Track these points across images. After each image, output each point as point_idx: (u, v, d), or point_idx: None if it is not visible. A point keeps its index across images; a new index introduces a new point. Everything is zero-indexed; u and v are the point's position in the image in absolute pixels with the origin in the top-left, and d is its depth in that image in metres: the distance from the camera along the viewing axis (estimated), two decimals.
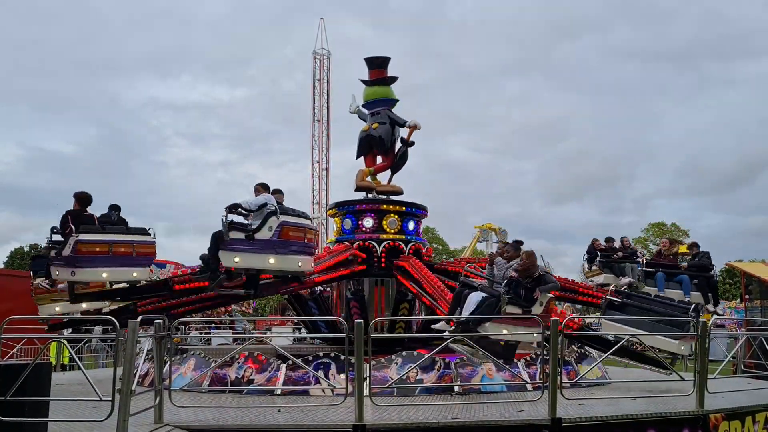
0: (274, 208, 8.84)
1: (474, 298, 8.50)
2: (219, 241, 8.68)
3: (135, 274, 9.63)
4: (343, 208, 12.98)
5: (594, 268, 13.12)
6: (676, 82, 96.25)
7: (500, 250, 9.45)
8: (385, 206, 12.71)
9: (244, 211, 8.80)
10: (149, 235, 9.77)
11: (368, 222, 12.59)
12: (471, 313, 8.35)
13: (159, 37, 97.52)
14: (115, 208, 10.27)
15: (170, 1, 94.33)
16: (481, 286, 8.77)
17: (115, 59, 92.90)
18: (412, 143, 13.47)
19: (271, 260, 8.82)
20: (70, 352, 7.50)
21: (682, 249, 13.90)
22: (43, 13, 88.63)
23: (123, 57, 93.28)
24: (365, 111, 13.55)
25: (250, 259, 8.74)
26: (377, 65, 13.55)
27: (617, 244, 13.41)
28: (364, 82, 13.68)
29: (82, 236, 8.96)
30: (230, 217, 8.78)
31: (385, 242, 12.27)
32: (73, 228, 9.02)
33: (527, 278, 8.42)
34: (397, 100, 13.57)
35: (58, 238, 9.48)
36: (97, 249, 9.05)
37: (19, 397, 5.72)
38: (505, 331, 8.27)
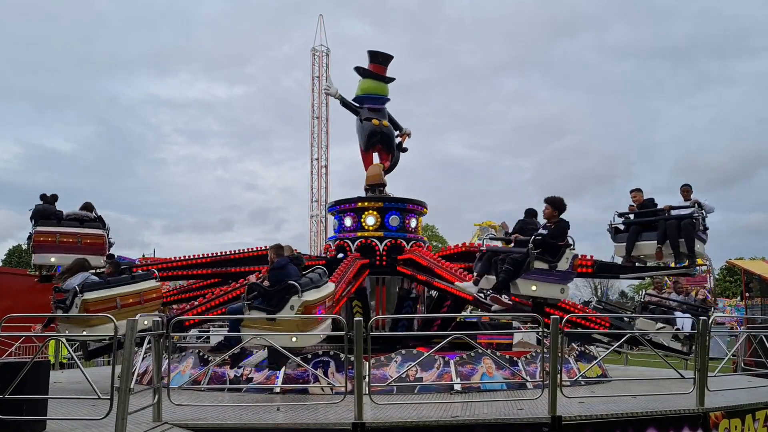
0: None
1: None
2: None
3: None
4: (333, 208, 13.03)
5: None
6: (673, 80, 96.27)
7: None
8: (362, 204, 12.69)
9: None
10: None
11: (348, 221, 12.61)
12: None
13: (158, 35, 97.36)
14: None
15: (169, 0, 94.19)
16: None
17: (114, 57, 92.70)
18: (406, 149, 13.71)
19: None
20: (68, 351, 7.47)
21: None
22: (43, 11, 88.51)
23: (122, 55, 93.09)
24: (351, 102, 13.32)
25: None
26: (380, 61, 13.44)
27: None
28: (362, 71, 13.43)
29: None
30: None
31: (387, 240, 12.22)
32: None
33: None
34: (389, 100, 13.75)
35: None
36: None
37: (17, 395, 5.71)
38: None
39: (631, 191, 11.16)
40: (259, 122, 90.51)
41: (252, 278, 9.19)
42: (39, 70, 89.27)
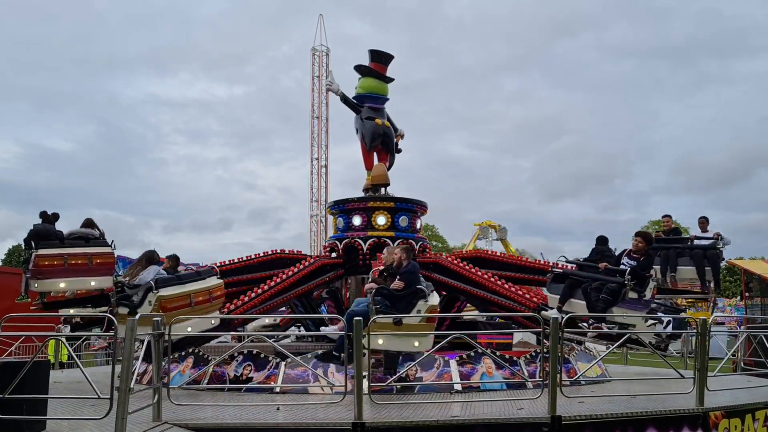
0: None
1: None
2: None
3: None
4: (340, 206, 12.98)
5: None
6: (673, 80, 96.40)
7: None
8: (372, 203, 12.67)
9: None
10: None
11: (357, 220, 12.58)
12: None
13: (157, 35, 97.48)
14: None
15: None
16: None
17: (113, 57, 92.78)
18: (400, 150, 13.78)
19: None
20: (68, 350, 7.47)
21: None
22: (42, 10, 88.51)
23: (122, 54, 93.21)
24: (352, 99, 13.18)
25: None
26: (381, 61, 13.35)
27: None
28: (364, 70, 13.31)
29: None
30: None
31: (399, 240, 12.10)
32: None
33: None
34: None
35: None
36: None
37: (17, 395, 5.71)
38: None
39: (663, 216, 11.99)
40: (258, 122, 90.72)
41: (371, 284, 8.75)
42: (39, 70, 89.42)
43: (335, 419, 6.62)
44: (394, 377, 8.34)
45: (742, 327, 16.92)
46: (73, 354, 7.97)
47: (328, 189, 48.81)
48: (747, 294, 23.27)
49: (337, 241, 12.72)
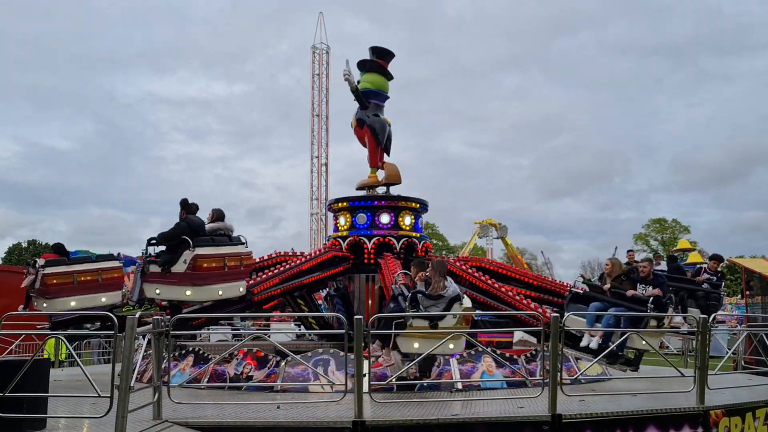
0: None
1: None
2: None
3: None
4: (367, 203, 12.74)
5: None
6: (673, 77, 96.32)
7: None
8: (403, 203, 12.67)
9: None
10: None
11: (385, 218, 12.47)
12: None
13: (156, 33, 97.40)
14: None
15: None
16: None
17: (112, 55, 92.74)
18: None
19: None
20: (68, 349, 7.46)
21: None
22: (40, 8, 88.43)
23: (120, 52, 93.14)
24: (361, 94, 12.91)
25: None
26: (383, 58, 13.19)
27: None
28: (369, 65, 13.08)
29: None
30: None
31: (375, 238, 12.15)
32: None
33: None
34: None
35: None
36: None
37: (17, 393, 5.70)
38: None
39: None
40: (258, 120, 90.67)
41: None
42: (37, 68, 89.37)
43: (335, 418, 6.61)
44: (395, 376, 8.34)
45: (742, 325, 16.92)
46: (73, 352, 7.96)
47: (328, 187, 48.84)
48: (747, 292, 23.23)
49: (365, 239, 12.41)
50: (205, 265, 8.53)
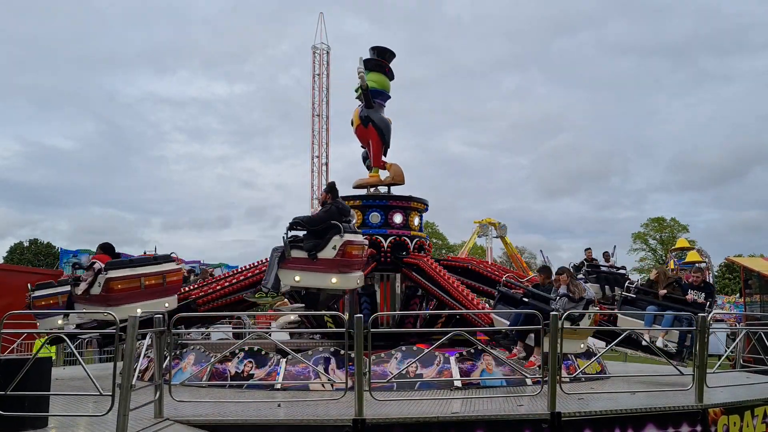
0: None
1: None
2: None
3: (167, 305, 9.04)
4: (383, 202, 12.66)
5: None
6: (672, 77, 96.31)
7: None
8: (414, 204, 12.72)
9: None
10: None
11: (398, 218, 12.46)
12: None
13: (156, 33, 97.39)
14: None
15: None
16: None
17: (113, 55, 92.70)
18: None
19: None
20: (70, 347, 7.47)
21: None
22: (42, 8, 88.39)
23: (120, 52, 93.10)
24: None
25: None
26: (385, 58, 13.14)
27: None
28: (374, 65, 12.95)
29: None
30: None
31: (391, 237, 12.18)
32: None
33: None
34: None
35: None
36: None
37: (19, 391, 5.73)
38: None
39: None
40: (258, 120, 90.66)
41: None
42: (38, 68, 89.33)
43: (336, 416, 6.65)
44: (395, 374, 8.39)
45: (741, 324, 16.94)
46: (75, 351, 7.99)
47: None
48: (746, 291, 23.27)
49: (381, 238, 12.25)
50: (354, 252, 8.19)
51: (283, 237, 8.69)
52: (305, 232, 8.71)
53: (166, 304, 8.93)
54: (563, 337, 7.28)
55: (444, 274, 11.29)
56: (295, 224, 8.63)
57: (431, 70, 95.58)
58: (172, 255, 9.32)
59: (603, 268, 13.85)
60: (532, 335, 8.34)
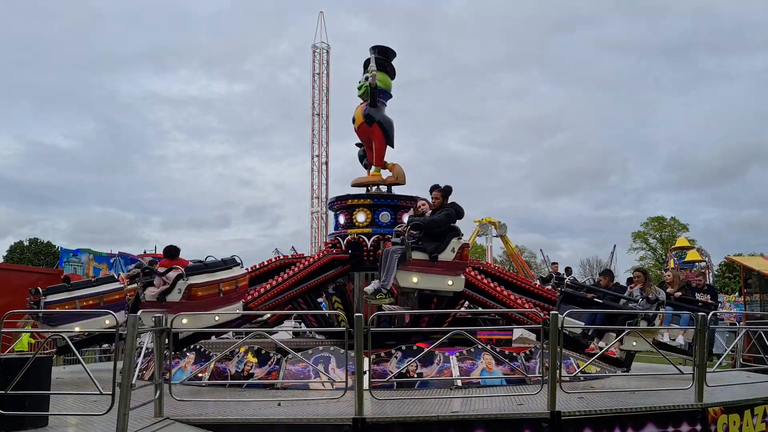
0: None
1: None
2: None
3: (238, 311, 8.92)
4: (393, 201, 12.62)
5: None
6: (670, 76, 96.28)
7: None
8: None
9: None
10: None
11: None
12: None
13: (156, 32, 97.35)
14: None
15: None
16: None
17: (113, 54, 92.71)
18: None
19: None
20: (71, 347, 7.48)
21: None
22: (41, 7, 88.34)
23: (120, 52, 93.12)
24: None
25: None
26: (387, 57, 13.18)
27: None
28: (380, 62, 12.74)
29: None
30: None
31: (375, 236, 12.07)
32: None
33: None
34: None
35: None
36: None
37: (19, 391, 5.73)
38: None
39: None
40: (258, 119, 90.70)
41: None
42: (38, 67, 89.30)
43: (336, 415, 6.64)
44: (395, 373, 8.39)
45: (741, 323, 16.95)
46: (75, 350, 7.99)
47: (328, 186, 48.83)
48: (746, 290, 23.30)
49: (364, 236, 12.22)
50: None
51: (404, 239, 8.71)
52: (418, 234, 8.69)
53: (237, 311, 8.79)
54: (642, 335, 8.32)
55: (477, 275, 11.31)
56: (415, 226, 8.68)
57: (431, 69, 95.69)
58: (233, 258, 9.02)
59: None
60: (612, 334, 8.95)
